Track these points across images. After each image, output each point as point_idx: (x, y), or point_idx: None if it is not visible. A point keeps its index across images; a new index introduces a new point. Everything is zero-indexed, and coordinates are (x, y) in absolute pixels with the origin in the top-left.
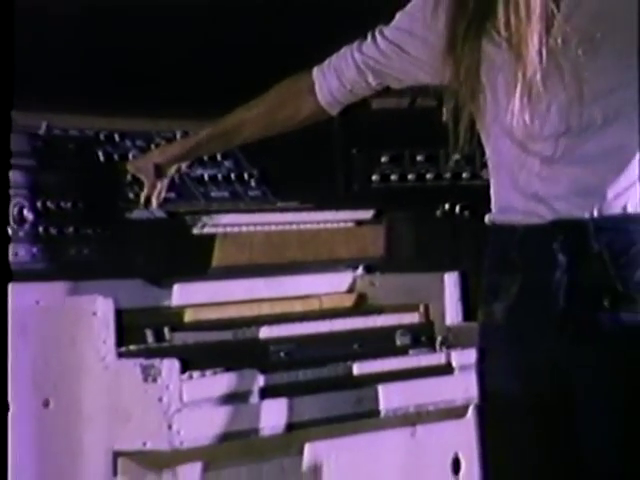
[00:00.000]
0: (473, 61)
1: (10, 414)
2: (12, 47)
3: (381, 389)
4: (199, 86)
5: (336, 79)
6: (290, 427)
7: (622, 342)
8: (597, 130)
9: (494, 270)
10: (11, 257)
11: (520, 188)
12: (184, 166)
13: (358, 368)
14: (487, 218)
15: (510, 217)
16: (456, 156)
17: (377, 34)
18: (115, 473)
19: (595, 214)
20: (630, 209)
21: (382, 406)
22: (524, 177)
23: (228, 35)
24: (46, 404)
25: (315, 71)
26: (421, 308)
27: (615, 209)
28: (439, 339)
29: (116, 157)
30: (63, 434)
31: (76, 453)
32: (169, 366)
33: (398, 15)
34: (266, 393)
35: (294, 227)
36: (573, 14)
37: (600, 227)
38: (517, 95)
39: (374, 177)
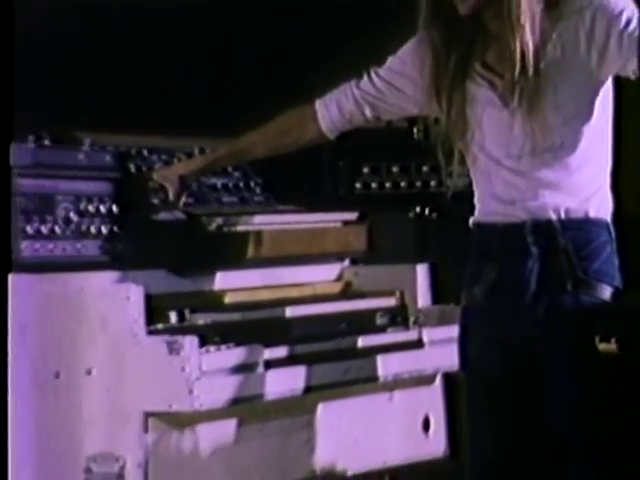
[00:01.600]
0: (459, 103)
1: (59, 381)
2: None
3: (366, 360)
4: (214, 110)
5: (337, 110)
6: (292, 393)
7: (582, 319)
8: (560, 150)
9: (477, 260)
10: (59, 252)
11: (499, 197)
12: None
13: (345, 343)
14: (471, 220)
15: (491, 219)
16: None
17: (373, 74)
18: (146, 430)
19: (562, 216)
20: (591, 214)
21: (367, 374)
22: (502, 188)
23: (239, 63)
24: (89, 372)
25: (317, 103)
26: (397, 294)
27: (579, 213)
28: (412, 319)
29: (144, 169)
30: (103, 398)
31: (114, 414)
32: (190, 341)
33: (390, 58)
34: (270, 364)
35: (292, 226)
36: (545, 57)
37: (565, 227)
38: (495, 123)
39: (357, 185)
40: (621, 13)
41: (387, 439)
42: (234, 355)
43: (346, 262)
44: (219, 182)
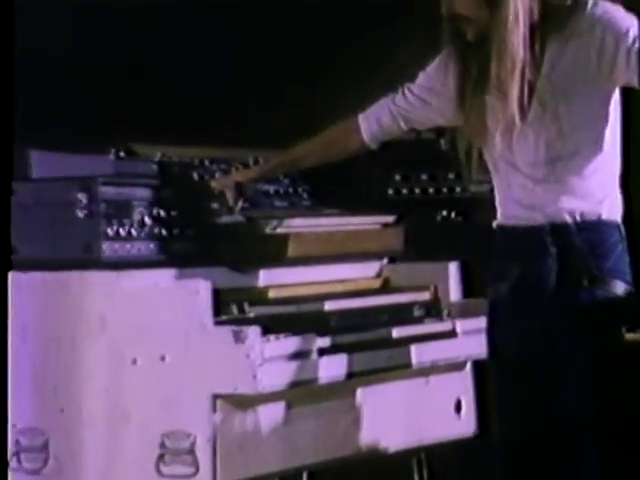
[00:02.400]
0: (480, 114)
1: (136, 366)
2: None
3: (404, 349)
4: (266, 123)
5: (376, 124)
6: (341, 378)
7: (597, 313)
8: (573, 157)
9: (501, 259)
10: (135, 251)
11: (519, 201)
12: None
13: (387, 333)
14: (494, 223)
15: (513, 222)
16: (477, 185)
17: (406, 90)
18: (214, 410)
19: (577, 219)
20: (603, 216)
21: (406, 361)
22: (522, 193)
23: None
24: (163, 359)
25: (360, 118)
26: (431, 288)
27: (592, 216)
28: (445, 312)
29: (206, 177)
30: (176, 382)
31: (186, 396)
32: (254, 331)
33: (420, 74)
34: (323, 352)
35: (336, 228)
36: (552, 71)
37: (580, 228)
38: (510, 132)
39: (389, 191)
40: (628, 31)
41: (423, 420)
42: (291, 344)
43: (385, 260)
44: (271, 188)
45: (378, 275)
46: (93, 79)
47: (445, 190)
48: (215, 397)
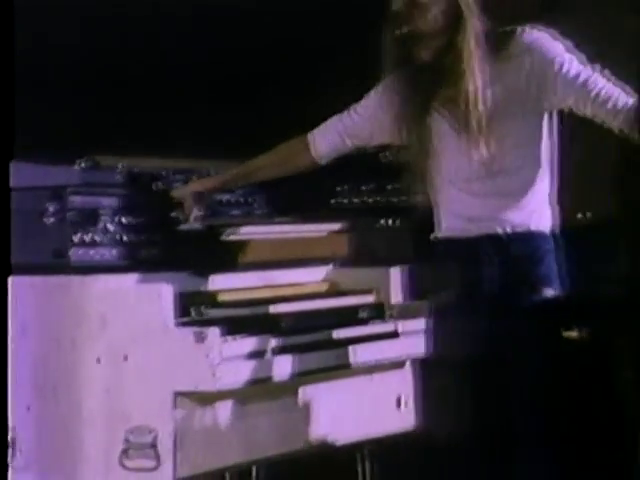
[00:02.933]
0: (424, 134)
1: (100, 365)
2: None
3: (350, 349)
4: (225, 137)
5: (325, 142)
6: (292, 376)
7: (529, 313)
8: (507, 174)
9: (442, 268)
10: (100, 257)
11: (458, 214)
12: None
13: (334, 334)
14: (432, 235)
15: (452, 233)
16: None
17: (352, 111)
18: (175, 407)
19: (510, 231)
20: (532, 227)
21: (351, 360)
22: (460, 207)
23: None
24: (125, 358)
25: (309, 136)
26: (375, 292)
27: (523, 227)
28: (388, 313)
29: (166, 187)
30: (139, 380)
31: (149, 393)
32: (213, 332)
33: (366, 96)
34: (276, 352)
35: (287, 235)
36: (491, 94)
37: (514, 239)
38: (454, 151)
39: (332, 201)
40: (554, 58)
41: (367, 415)
42: (248, 344)
43: (332, 265)
44: (227, 198)
45: (325, 279)
46: (60, 92)
47: (385, 200)
48: (176, 394)
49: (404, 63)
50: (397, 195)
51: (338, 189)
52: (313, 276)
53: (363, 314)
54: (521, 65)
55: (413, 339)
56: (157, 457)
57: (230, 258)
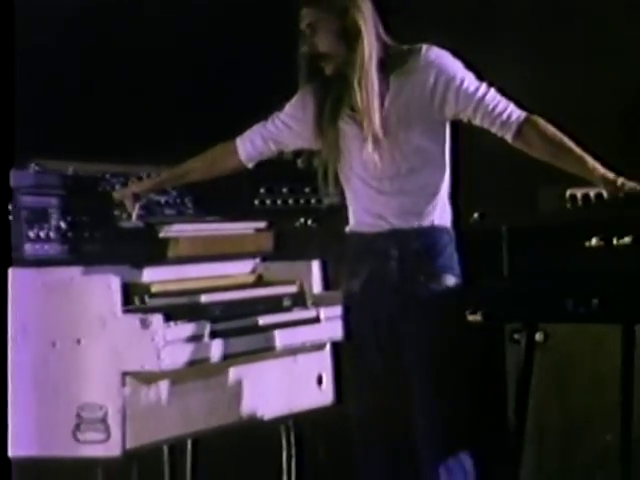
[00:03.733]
0: (334, 138)
1: (56, 349)
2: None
3: (276, 333)
4: (159, 143)
5: (251, 146)
6: (225, 357)
7: (431, 303)
8: (411, 174)
9: (353, 259)
10: (51, 251)
11: (368, 210)
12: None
13: (262, 320)
14: (347, 228)
15: (362, 228)
16: (329, 198)
17: (275, 118)
18: (124, 385)
19: (415, 225)
20: (435, 222)
21: (277, 343)
22: (369, 203)
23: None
24: (78, 342)
25: (237, 140)
26: (297, 282)
27: (426, 222)
28: (309, 301)
29: (108, 188)
30: (91, 361)
31: (99, 373)
32: (157, 318)
33: (286, 105)
34: (211, 336)
35: (217, 232)
36: (394, 102)
37: (418, 233)
38: (362, 152)
39: (255, 202)
40: (455, 74)
41: (292, 392)
42: (188, 329)
43: (257, 259)
44: (162, 199)
45: (252, 272)
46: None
47: (302, 201)
48: (124, 374)
49: (314, 77)
50: (313, 196)
51: (261, 191)
52: (241, 269)
53: (287, 302)
54: (426, 78)
55: (332, 324)
56: (107, 431)
57: (166, 253)
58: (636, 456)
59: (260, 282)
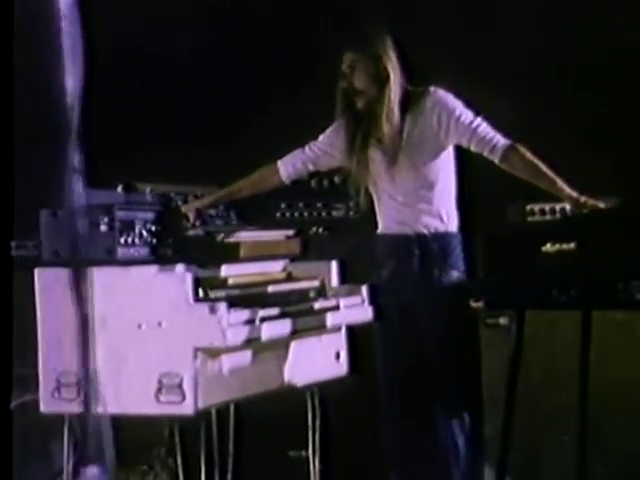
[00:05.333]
0: (364, 163)
1: (141, 330)
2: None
3: (305, 318)
4: (211, 168)
5: (291, 168)
6: (271, 337)
7: (441, 289)
8: (425, 189)
9: (382, 255)
10: (137, 254)
11: (393, 219)
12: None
13: (295, 308)
14: (378, 231)
15: (389, 232)
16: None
17: (312, 145)
18: (195, 358)
19: (432, 231)
20: (449, 229)
21: (306, 326)
22: (395, 214)
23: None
24: (159, 324)
25: (279, 163)
26: (320, 278)
27: (441, 228)
28: (330, 293)
29: (174, 204)
30: (170, 339)
31: (177, 349)
32: (222, 305)
33: (322, 134)
34: (261, 320)
35: (257, 239)
36: (410, 135)
37: (434, 237)
38: (386, 174)
39: (277, 214)
40: (455, 109)
41: (317, 365)
42: (244, 314)
43: (288, 260)
44: (213, 212)
45: (284, 270)
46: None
47: (315, 214)
48: (196, 349)
49: (347, 109)
50: (324, 210)
51: (282, 206)
52: (275, 267)
53: (312, 294)
54: (434, 115)
55: (350, 311)
56: (183, 394)
57: (221, 254)
58: (590, 414)
59: (290, 278)
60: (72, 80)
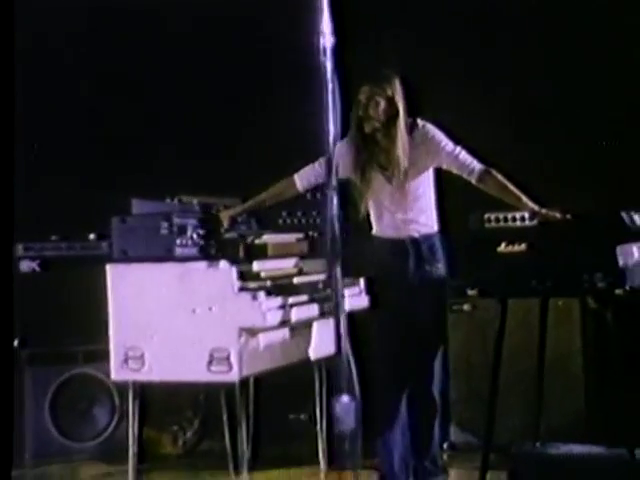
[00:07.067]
0: (369, 180)
1: (197, 314)
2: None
3: (316, 305)
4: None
5: (306, 180)
6: (296, 320)
7: (430, 280)
8: (415, 203)
9: (379, 254)
10: (190, 252)
11: (389, 225)
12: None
13: (308, 297)
14: (373, 232)
15: (386, 235)
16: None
17: (322, 159)
18: (240, 336)
19: (423, 234)
20: (432, 231)
21: (323, 310)
22: (390, 221)
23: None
24: (210, 309)
25: (295, 177)
26: (326, 273)
27: (430, 231)
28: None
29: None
30: (219, 321)
31: (225, 328)
32: (262, 293)
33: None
34: (292, 305)
35: (275, 240)
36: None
37: (425, 238)
38: (384, 190)
39: (279, 221)
40: (442, 140)
41: (324, 342)
42: (278, 300)
43: (299, 258)
44: (239, 219)
45: (296, 266)
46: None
47: (311, 221)
48: (241, 329)
49: (359, 133)
50: (317, 218)
51: (283, 214)
52: (289, 264)
53: (320, 286)
54: (422, 145)
55: (352, 299)
56: (230, 365)
57: (252, 253)
58: (547, 383)
59: (301, 273)
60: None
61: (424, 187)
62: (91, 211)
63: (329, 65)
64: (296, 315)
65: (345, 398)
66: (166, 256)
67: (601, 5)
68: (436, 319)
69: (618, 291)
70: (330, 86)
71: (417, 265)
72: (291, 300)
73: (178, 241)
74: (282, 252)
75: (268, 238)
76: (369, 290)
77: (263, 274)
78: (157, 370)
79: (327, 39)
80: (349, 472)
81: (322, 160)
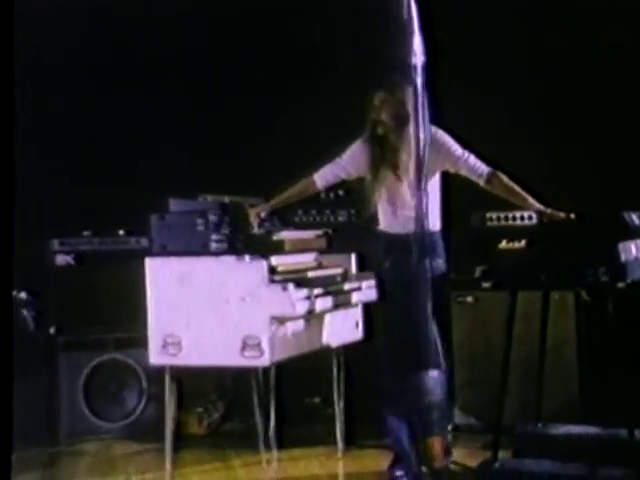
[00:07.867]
0: (379, 179)
1: (228, 305)
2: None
3: (341, 296)
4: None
5: (325, 179)
6: (319, 310)
7: (432, 277)
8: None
9: (386, 249)
10: (222, 247)
11: (394, 221)
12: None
13: (327, 289)
14: (379, 228)
15: (392, 231)
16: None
17: (339, 160)
18: (271, 324)
19: (425, 230)
20: (435, 228)
21: (339, 303)
22: (398, 219)
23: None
24: (243, 299)
25: (315, 176)
26: (343, 267)
27: (432, 228)
28: (352, 277)
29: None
30: (252, 310)
31: (257, 317)
32: (291, 285)
33: (347, 149)
34: (317, 295)
35: (294, 236)
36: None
37: (427, 234)
38: (396, 193)
39: (295, 219)
40: (450, 146)
41: (343, 331)
42: (305, 292)
43: (318, 253)
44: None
45: (315, 260)
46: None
47: (325, 219)
48: (271, 317)
49: (372, 135)
50: (331, 216)
51: (299, 212)
52: (309, 259)
53: (338, 279)
54: (432, 149)
55: (368, 291)
56: (261, 351)
57: (274, 248)
58: (545, 369)
59: (320, 267)
60: None
61: (431, 188)
62: (119, 209)
63: (419, 81)
64: (322, 305)
65: (435, 372)
66: (202, 250)
67: (601, 5)
68: (434, 312)
69: (620, 284)
70: (420, 100)
71: (418, 260)
72: (316, 291)
73: (213, 237)
74: (300, 247)
75: (289, 234)
76: (378, 284)
77: (282, 268)
78: (194, 355)
79: (418, 58)
80: (437, 437)
81: (339, 160)
